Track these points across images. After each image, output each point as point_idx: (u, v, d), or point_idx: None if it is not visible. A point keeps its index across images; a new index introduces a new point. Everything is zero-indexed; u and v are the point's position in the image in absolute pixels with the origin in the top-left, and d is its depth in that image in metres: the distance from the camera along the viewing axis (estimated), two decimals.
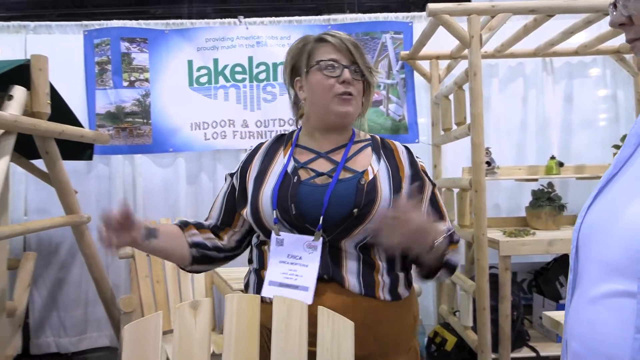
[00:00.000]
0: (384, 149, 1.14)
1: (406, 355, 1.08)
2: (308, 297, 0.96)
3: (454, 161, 3.08)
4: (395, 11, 3.21)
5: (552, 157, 2.81)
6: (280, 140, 1.17)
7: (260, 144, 1.18)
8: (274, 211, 1.02)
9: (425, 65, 3.09)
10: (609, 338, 0.56)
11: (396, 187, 1.06)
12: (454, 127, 2.60)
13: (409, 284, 1.10)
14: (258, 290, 1.04)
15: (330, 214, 1.00)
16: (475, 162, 2.21)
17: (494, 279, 2.41)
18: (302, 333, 0.81)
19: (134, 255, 2.64)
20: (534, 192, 2.76)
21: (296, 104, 1.18)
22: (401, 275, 1.08)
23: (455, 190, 2.66)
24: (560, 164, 2.77)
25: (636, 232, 0.55)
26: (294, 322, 0.82)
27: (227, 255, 1.16)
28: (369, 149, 1.13)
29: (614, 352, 0.55)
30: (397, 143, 1.18)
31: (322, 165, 1.09)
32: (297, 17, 3.18)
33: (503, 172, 2.78)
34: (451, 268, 1.08)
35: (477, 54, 2.20)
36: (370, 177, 1.05)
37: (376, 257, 1.04)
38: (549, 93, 3.13)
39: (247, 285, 1.13)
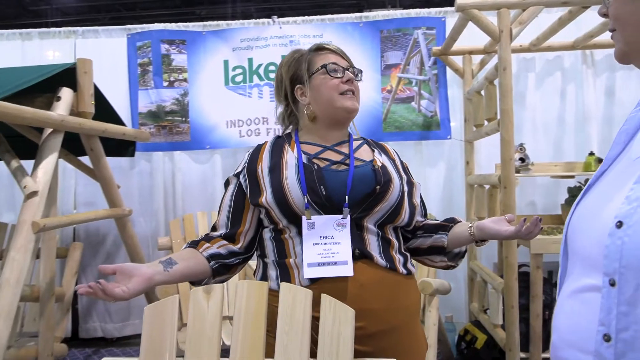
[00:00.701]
0: (378, 147, 1.27)
1: (416, 325, 1.16)
2: (349, 270, 1.04)
3: (489, 157, 3.04)
4: (430, 6, 3.20)
5: (591, 153, 2.72)
6: (281, 139, 1.23)
7: (260, 145, 1.24)
8: (305, 196, 1.08)
9: (458, 60, 3.05)
10: (579, 330, 0.58)
11: (399, 173, 1.20)
12: (486, 123, 2.57)
13: (412, 263, 1.22)
14: (283, 280, 1.09)
15: (355, 193, 1.10)
16: (504, 158, 2.18)
17: (525, 278, 2.37)
18: (305, 318, 0.86)
19: (172, 247, 2.78)
20: (570, 189, 2.69)
21: (292, 114, 1.26)
22: (407, 254, 1.20)
23: (487, 187, 2.63)
24: (599, 161, 2.68)
25: (606, 227, 0.56)
26: (298, 308, 0.87)
27: (245, 257, 1.20)
28: (366, 145, 1.26)
29: (582, 344, 0.57)
30: (384, 143, 1.32)
31: (332, 156, 1.17)
32: (329, 16, 3.23)
33: (538, 168, 2.72)
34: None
35: (506, 49, 2.17)
36: (379, 164, 1.17)
37: (389, 235, 1.15)
38: (589, 87, 3.02)
39: (264, 280, 1.16)
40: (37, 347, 2.20)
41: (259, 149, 1.23)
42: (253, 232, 1.20)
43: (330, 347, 0.84)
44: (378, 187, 1.11)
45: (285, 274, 1.10)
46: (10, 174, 3.22)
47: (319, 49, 1.24)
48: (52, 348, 2.22)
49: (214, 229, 1.22)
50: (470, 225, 1.16)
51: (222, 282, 1.17)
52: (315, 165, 1.13)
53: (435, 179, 3.18)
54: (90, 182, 3.15)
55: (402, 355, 1.05)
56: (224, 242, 1.17)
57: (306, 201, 1.08)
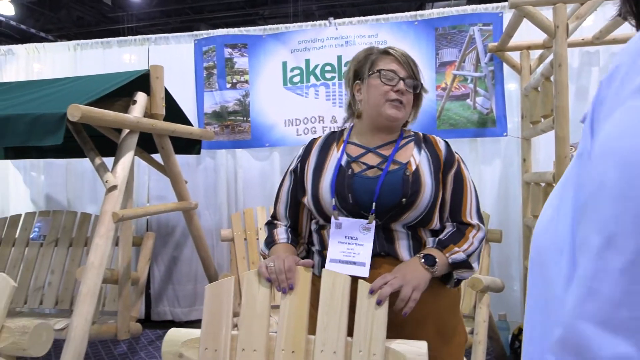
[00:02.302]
0: (424, 142, 1.27)
1: (454, 317, 1.20)
2: (365, 272, 1.12)
3: (548, 154, 2.97)
4: (487, 2, 3.16)
5: None
6: (332, 137, 1.32)
7: (314, 140, 1.34)
8: (333, 199, 1.18)
9: (515, 56, 3.01)
10: None
11: (436, 172, 1.19)
12: (542, 120, 2.53)
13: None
14: (322, 267, 1.21)
15: (381, 201, 1.16)
16: (559, 156, 2.15)
17: None
18: (343, 301, 0.96)
19: (234, 239, 2.98)
20: None
21: (350, 106, 1.33)
22: None
23: (543, 185, 2.59)
24: None
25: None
26: (337, 291, 0.97)
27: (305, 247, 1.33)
28: (412, 143, 1.26)
29: None
30: (437, 137, 1.30)
31: (372, 159, 1.23)
32: (384, 15, 3.28)
33: None
34: (463, 267, 1.17)
35: (562, 45, 2.14)
36: (413, 167, 1.19)
37: (423, 234, 1.20)
38: None
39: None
40: (116, 325, 2.47)
41: (310, 145, 1.33)
42: (310, 226, 1.31)
43: (365, 327, 0.94)
44: (404, 199, 1.14)
45: (324, 263, 1.20)
46: (93, 170, 3.58)
47: (386, 52, 1.27)
48: (128, 326, 2.48)
49: (274, 216, 1.34)
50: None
51: None
52: (350, 170, 1.21)
53: (490, 176, 3.16)
54: (161, 178, 3.42)
55: (433, 346, 1.10)
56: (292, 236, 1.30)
57: (334, 204, 1.18)
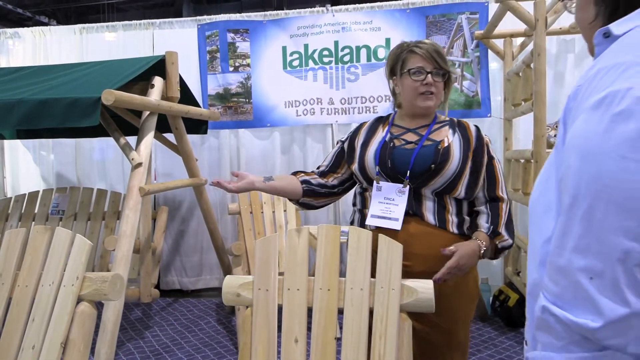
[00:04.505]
0: (458, 127, 1.50)
1: (466, 274, 1.42)
2: (398, 225, 1.39)
3: (527, 134, 3.26)
4: None
5: None
6: (380, 120, 1.58)
7: (363, 123, 1.60)
8: (377, 166, 1.44)
9: (499, 43, 3.27)
10: None
11: (465, 151, 1.43)
12: (522, 103, 2.81)
13: (475, 226, 1.46)
14: (362, 223, 1.47)
15: (415, 169, 1.41)
16: (537, 135, 2.44)
17: None
18: (367, 251, 1.23)
19: (241, 212, 3.22)
20: None
21: (394, 94, 1.58)
22: (467, 218, 1.46)
23: (522, 161, 2.88)
24: None
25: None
26: (362, 242, 1.24)
27: (328, 192, 1.57)
28: (447, 127, 1.49)
29: None
30: (469, 122, 1.53)
31: (410, 137, 1.48)
32: (378, 3, 3.50)
33: None
34: (507, 248, 1.45)
35: (542, 36, 2.40)
36: (446, 144, 1.43)
37: (447, 201, 1.43)
38: None
39: (352, 221, 1.56)
40: (139, 290, 2.72)
41: (360, 126, 1.58)
42: (339, 181, 1.57)
43: (385, 270, 1.21)
44: (433, 165, 1.37)
45: (363, 219, 1.47)
46: (101, 149, 3.76)
47: (412, 51, 1.45)
48: (150, 290, 2.73)
49: (318, 167, 1.62)
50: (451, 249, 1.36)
51: (308, 205, 1.57)
52: (392, 143, 1.46)
53: None
54: (167, 156, 3.64)
55: (446, 293, 1.37)
56: (317, 176, 1.58)
57: (377, 170, 1.44)
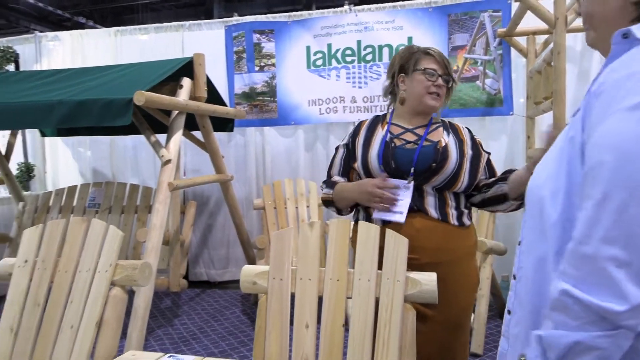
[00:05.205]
0: (451, 128, 1.60)
1: (468, 264, 1.53)
2: (402, 218, 1.46)
3: None
4: None
5: None
6: (377, 119, 1.64)
7: (362, 122, 1.66)
8: (380, 165, 1.51)
9: (522, 41, 3.26)
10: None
11: (460, 150, 1.51)
12: (544, 101, 2.81)
13: (470, 218, 1.56)
14: (367, 219, 1.53)
15: (418, 167, 1.48)
16: None
17: None
18: (375, 244, 1.31)
19: (265, 208, 3.34)
20: None
21: (392, 92, 1.64)
22: (465, 211, 1.55)
23: None
24: None
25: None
26: (370, 237, 1.32)
27: None
28: (441, 128, 1.59)
29: None
30: (459, 124, 1.62)
31: (409, 137, 1.55)
32: (400, 2, 3.54)
33: None
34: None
35: (562, 35, 2.40)
36: (443, 144, 1.52)
37: (447, 196, 1.51)
38: None
39: (357, 220, 1.60)
40: (168, 279, 2.87)
41: (359, 125, 1.64)
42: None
43: (391, 263, 1.29)
44: (434, 164, 1.46)
45: (369, 216, 1.54)
46: (134, 147, 3.95)
47: (427, 53, 1.56)
48: (179, 280, 2.88)
49: (329, 177, 1.66)
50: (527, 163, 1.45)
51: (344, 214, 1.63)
52: (393, 143, 1.53)
53: (497, 151, 3.46)
54: (196, 153, 3.80)
55: (451, 283, 1.45)
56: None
57: (381, 169, 1.51)
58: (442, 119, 1.65)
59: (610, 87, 0.66)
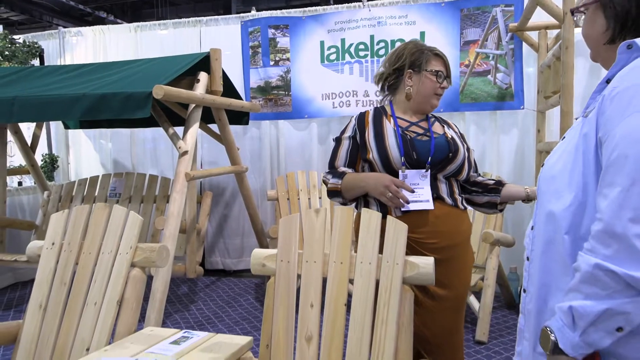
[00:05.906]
0: (444, 122, 1.71)
1: (469, 244, 1.67)
2: (430, 205, 1.55)
3: (560, 126, 3.27)
4: None
5: None
6: (379, 111, 1.69)
7: (363, 114, 1.70)
8: (402, 157, 1.58)
9: (534, 35, 3.28)
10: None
11: (462, 142, 1.66)
12: (553, 95, 2.84)
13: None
14: (382, 210, 1.57)
15: (435, 157, 1.58)
16: (563, 127, 2.49)
17: None
18: (377, 230, 1.39)
19: (278, 199, 3.44)
20: None
21: (390, 87, 1.71)
22: (463, 196, 1.69)
23: None
24: None
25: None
26: (372, 223, 1.40)
27: None
28: (437, 122, 1.70)
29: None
30: (447, 119, 1.75)
31: (417, 129, 1.64)
32: None
33: None
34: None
35: (570, 29, 2.43)
36: (449, 136, 1.63)
37: (453, 183, 1.64)
38: None
39: (358, 209, 1.66)
40: (185, 266, 2.99)
41: (363, 116, 1.68)
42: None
43: (391, 247, 1.36)
44: (451, 154, 1.58)
45: (384, 207, 1.58)
46: (153, 139, 4.08)
47: (437, 54, 1.66)
48: (195, 267, 3.00)
49: (334, 168, 1.68)
50: (526, 188, 1.64)
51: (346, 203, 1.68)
52: (408, 135, 1.61)
53: (508, 144, 3.49)
54: (212, 146, 3.92)
55: (461, 260, 1.59)
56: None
57: (403, 161, 1.57)
58: (433, 114, 1.75)
59: (624, 91, 0.77)
